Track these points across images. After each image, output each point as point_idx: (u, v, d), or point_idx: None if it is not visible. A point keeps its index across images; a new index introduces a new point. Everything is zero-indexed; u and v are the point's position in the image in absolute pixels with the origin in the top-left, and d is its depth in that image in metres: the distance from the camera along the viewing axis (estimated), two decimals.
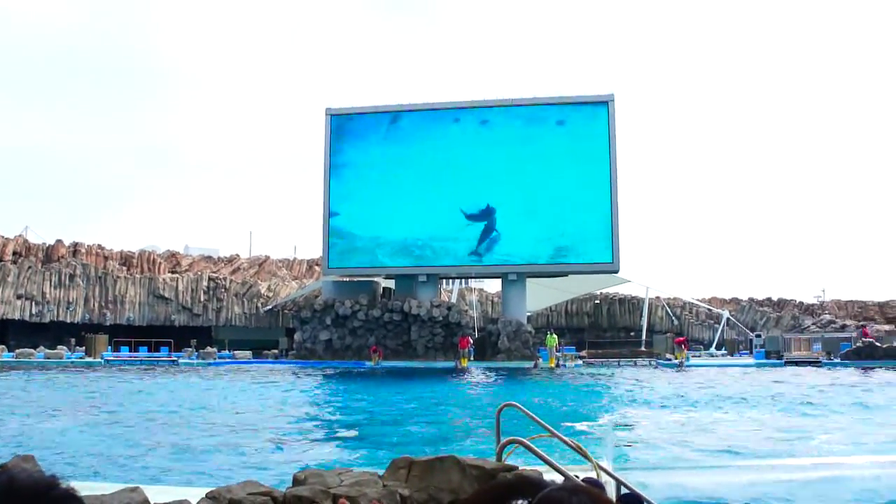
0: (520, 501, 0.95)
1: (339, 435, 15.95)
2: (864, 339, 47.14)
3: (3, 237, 63.61)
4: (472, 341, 48.42)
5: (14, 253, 62.90)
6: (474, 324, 53.16)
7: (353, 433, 16.12)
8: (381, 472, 6.45)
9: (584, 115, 50.64)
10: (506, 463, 6.46)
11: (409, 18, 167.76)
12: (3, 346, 51.98)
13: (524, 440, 6.59)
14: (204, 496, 5.72)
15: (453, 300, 58.01)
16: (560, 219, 49.62)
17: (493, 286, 66.41)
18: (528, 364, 45.24)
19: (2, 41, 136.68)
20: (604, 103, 50.54)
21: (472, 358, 46.95)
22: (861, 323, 61.59)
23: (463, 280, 62.83)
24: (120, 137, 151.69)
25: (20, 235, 65.26)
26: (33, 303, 58.10)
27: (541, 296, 57.54)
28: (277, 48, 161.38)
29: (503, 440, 6.94)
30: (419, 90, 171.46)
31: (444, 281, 59.61)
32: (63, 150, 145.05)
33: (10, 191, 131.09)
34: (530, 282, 51.80)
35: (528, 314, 54.24)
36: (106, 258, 65.08)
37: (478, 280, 65.83)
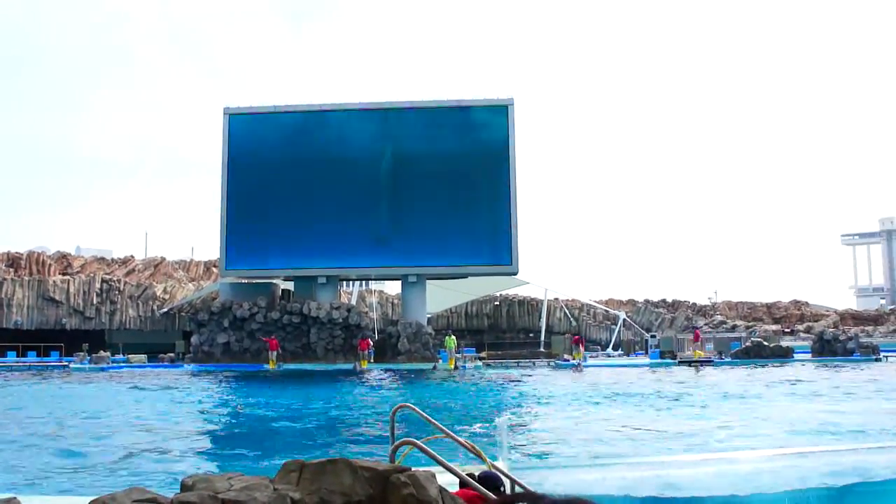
0: None
1: (231, 440, 15.76)
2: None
3: None
4: (371, 343, 48.34)
5: None
6: (374, 325, 53.14)
7: (246, 438, 15.94)
8: (271, 476, 6.39)
9: (485, 119, 51.10)
10: (399, 465, 6.47)
11: (313, 22, 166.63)
12: None
13: (417, 441, 6.62)
14: None
15: (353, 302, 57.83)
16: (459, 220, 49.90)
17: (394, 288, 66.47)
18: (427, 366, 45.41)
19: None
20: (503, 107, 51.06)
21: (371, 360, 46.86)
22: (750, 324, 63.84)
23: (363, 282, 62.63)
24: (8, 134, 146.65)
25: None
26: None
27: (441, 298, 57.86)
28: (175, 45, 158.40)
29: (396, 441, 6.97)
30: (321, 93, 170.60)
31: (344, 283, 59.39)
32: None
33: None
34: (430, 284, 51.96)
35: (429, 316, 54.48)
36: None
37: (378, 282, 65.76)
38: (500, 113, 51.07)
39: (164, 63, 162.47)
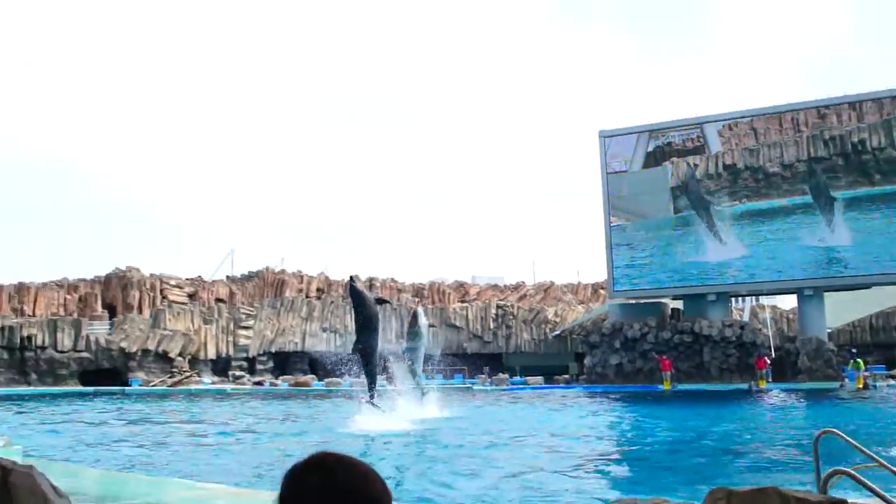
0: None
1: (641, 462, 15.82)
2: None
3: (307, 276, 68.82)
4: (768, 361, 46.29)
5: (318, 289, 67.84)
6: (770, 343, 50.74)
7: (655, 459, 15.93)
8: (696, 501, 6.36)
9: (878, 113, 47.45)
10: (833, 496, 6.14)
11: (675, 39, 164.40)
12: (314, 376, 56.05)
13: (850, 470, 6.27)
14: None
15: (745, 319, 55.76)
16: (856, 228, 46.62)
17: (789, 302, 63.15)
18: (832, 385, 42.52)
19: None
20: None
21: (769, 379, 44.88)
22: None
23: (754, 297, 60.25)
24: (403, 176, 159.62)
25: (322, 273, 70.33)
26: (337, 335, 62.19)
27: (840, 310, 53.95)
28: (548, 72, 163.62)
29: (827, 470, 6.64)
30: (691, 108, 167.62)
31: (735, 299, 57.53)
32: (355, 194, 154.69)
33: (312, 235, 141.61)
34: (829, 296, 48.80)
35: (829, 331, 51.13)
36: (399, 290, 68.63)
37: (770, 297, 62.94)
38: (892, 106, 47.19)
39: (535, 89, 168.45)
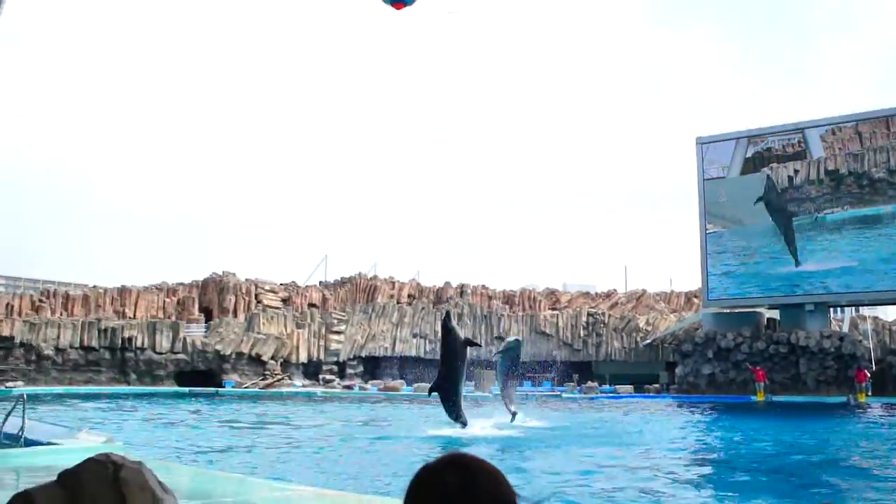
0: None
1: (740, 473, 15.49)
2: None
3: (399, 282, 69.35)
4: (868, 374, 44.83)
5: (409, 295, 68.28)
6: (871, 355, 49.15)
7: (759, 474, 15.56)
8: None
9: None
10: None
11: (775, 43, 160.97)
12: (403, 381, 56.41)
13: None
14: None
15: (845, 329, 54.14)
16: None
17: (892, 313, 61.15)
18: None
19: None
20: None
21: (869, 393, 43.48)
22: None
23: (854, 308, 58.48)
24: (496, 182, 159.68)
25: (413, 279, 70.79)
26: (427, 341, 62.48)
27: None
28: (646, 78, 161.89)
29: None
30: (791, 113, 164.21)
31: (834, 310, 55.94)
32: (447, 201, 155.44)
33: (404, 242, 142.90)
34: None
35: None
36: (490, 297, 68.57)
37: (871, 307, 61.02)
38: None
39: (631, 95, 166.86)
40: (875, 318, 62.76)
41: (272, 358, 58.26)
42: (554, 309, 67.07)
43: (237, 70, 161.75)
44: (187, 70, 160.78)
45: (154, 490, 5.05)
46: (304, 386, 55.94)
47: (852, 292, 48.15)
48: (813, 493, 11.81)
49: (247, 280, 64.47)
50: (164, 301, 62.08)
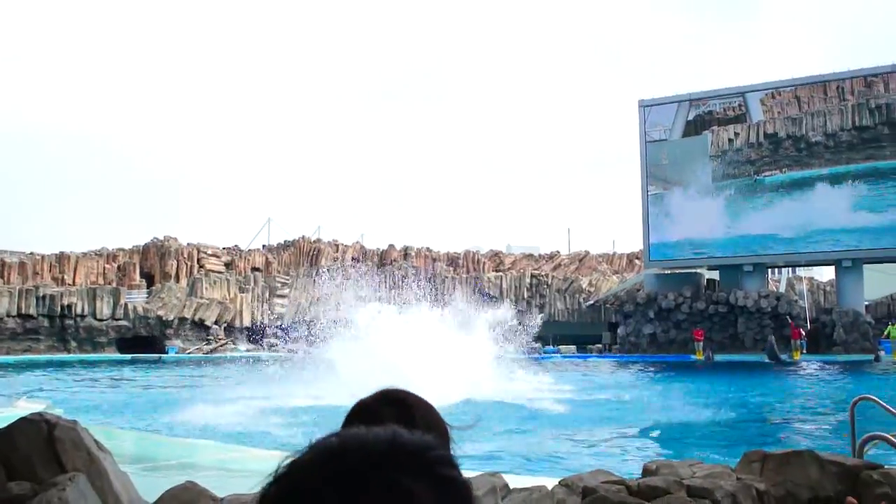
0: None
1: (676, 428, 15.83)
2: None
3: (343, 245, 69.10)
4: (803, 333, 45.89)
5: (353, 258, 68.06)
6: (806, 314, 50.30)
7: (690, 426, 15.93)
8: (731, 465, 6.35)
9: None
10: (869, 461, 6.11)
11: (718, 8, 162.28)
12: None
13: (888, 435, 6.24)
14: (558, 483, 5.93)
15: (781, 290, 55.28)
16: None
17: (826, 274, 62.53)
18: (867, 357, 42.07)
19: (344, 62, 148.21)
20: None
21: (804, 351, 44.52)
22: None
23: (791, 269, 59.70)
24: (439, 144, 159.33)
25: (357, 242, 70.58)
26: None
27: (879, 283, 53.28)
28: (588, 41, 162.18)
29: (864, 436, 6.61)
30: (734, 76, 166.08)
31: (771, 270, 57.04)
32: (391, 163, 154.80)
33: (348, 204, 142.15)
34: (867, 268, 48.24)
35: (866, 303, 50.56)
36: (434, 259, 68.72)
37: (807, 268, 62.33)
38: None
39: (574, 58, 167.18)
40: (810, 279, 64.18)
41: (215, 323, 57.87)
42: (498, 271, 67.43)
43: (178, 26, 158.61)
44: (125, 25, 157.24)
45: (90, 448, 5.03)
46: (248, 350, 55.67)
47: (789, 254, 49.13)
48: (747, 445, 12.12)
49: (189, 244, 63.70)
50: (105, 267, 61.12)
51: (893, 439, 5.90)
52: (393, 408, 1.68)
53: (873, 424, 7.71)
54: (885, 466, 5.89)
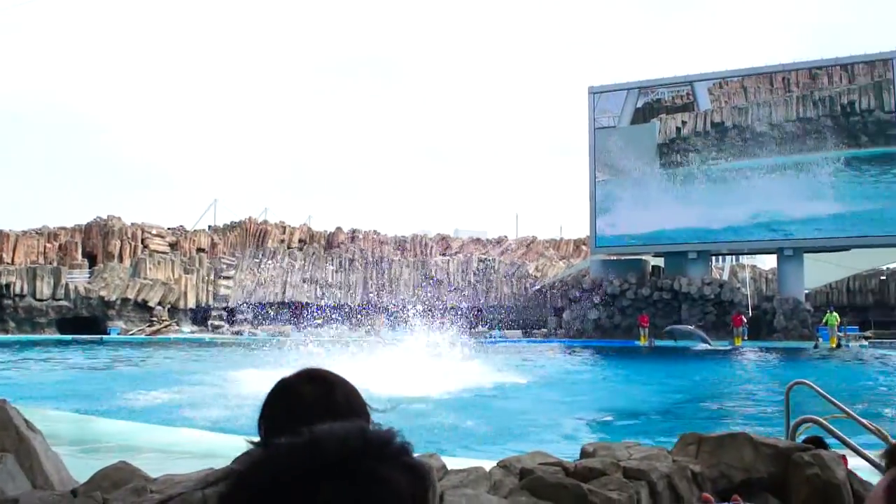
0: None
1: (617, 412, 16.01)
2: None
3: (290, 227, 68.64)
4: (745, 320, 46.65)
5: (300, 241, 67.73)
6: (748, 302, 51.16)
7: (631, 410, 16.13)
8: (668, 447, 6.44)
9: (869, 75, 47.58)
10: (800, 443, 6.23)
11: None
12: (293, 326, 56.14)
13: (820, 419, 6.37)
14: (496, 465, 5.95)
15: (725, 277, 56.13)
16: (840, 190, 46.85)
17: (768, 262, 63.61)
18: (807, 344, 42.91)
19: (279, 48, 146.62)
20: (887, 61, 47.16)
21: (745, 337, 45.28)
22: None
23: (735, 257, 60.63)
24: (388, 128, 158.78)
25: (304, 224, 70.16)
26: (317, 286, 62.26)
27: (819, 272, 54.34)
28: (538, 28, 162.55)
29: (796, 419, 6.73)
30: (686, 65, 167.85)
31: (715, 258, 57.88)
32: (340, 146, 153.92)
33: (295, 185, 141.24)
34: (808, 257, 49.15)
35: (806, 292, 51.56)
36: (381, 243, 68.63)
37: (750, 256, 63.37)
38: (884, 68, 47.18)
39: (525, 45, 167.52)
40: (753, 267, 65.29)
41: (159, 304, 57.19)
42: (445, 255, 67.55)
43: (123, 3, 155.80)
44: (67, 2, 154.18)
45: (18, 427, 4.92)
46: (192, 332, 55.18)
47: (733, 242, 49.88)
48: (685, 428, 12.31)
49: (132, 224, 62.74)
50: (45, 246, 60.01)
51: (824, 422, 6.02)
52: (314, 385, 1.72)
53: (809, 409, 7.88)
54: (815, 449, 6.00)
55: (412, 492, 0.94)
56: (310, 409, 1.63)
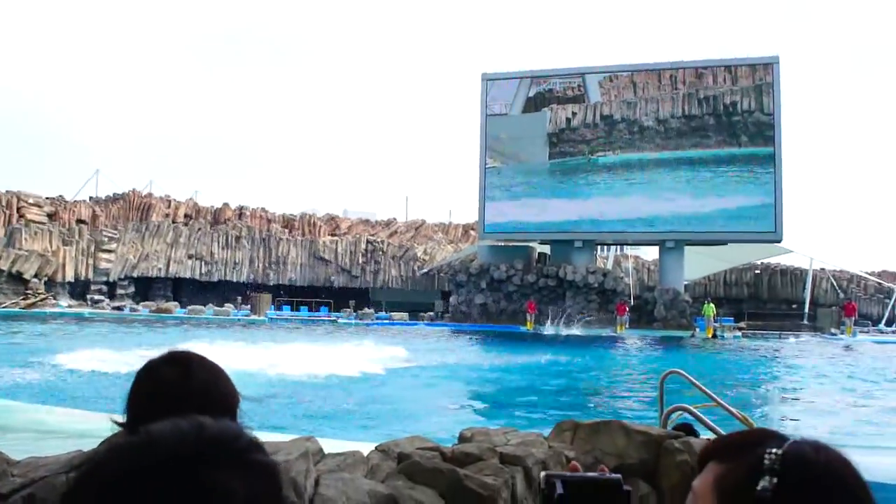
0: (773, 449, 1.00)
1: (497, 398, 16.16)
2: None
3: (175, 201, 67.04)
4: (628, 309, 47.80)
5: (185, 215, 66.22)
6: (630, 291, 52.42)
7: (511, 396, 16.30)
8: (545, 433, 6.52)
9: (751, 77, 49.13)
10: (670, 430, 6.40)
11: None
12: (177, 303, 54.99)
13: (690, 407, 6.56)
14: (374, 448, 5.93)
15: (609, 267, 57.37)
16: (720, 186, 48.35)
17: (650, 253, 65.25)
18: (685, 334, 44.31)
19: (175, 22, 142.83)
20: (768, 65, 48.77)
21: (628, 326, 46.41)
22: None
23: (619, 247, 61.99)
24: (279, 104, 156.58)
25: (191, 199, 68.62)
26: (203, 262, 61.11)
27: (698, 264, 56.12)
28: (431, 13, 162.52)
29: (669, 407, 6.91)
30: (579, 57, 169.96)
31: (600, 247, 59.05)
32: (228, 121, 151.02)
33: (182, 159, 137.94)
34: (688, 250, 50.64)
35: (686, 283, 53.15)
36: (269, 221, 67.72)
37: (634, 247, 64.86)
38: (764, 71, 48.82)
39: (420, 29, 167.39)
40: (636, 258, 66.89)
41: (35, 276, 55.12)
42: (334, 235, 67.10)
43: None
44: None
45: None
46: (69, 307, 53.40)
47: (617, 232, 50.95)
48: (564, 414, 12.52)
49: (7, 192, 60.18)
50: None
51: (695, 410, 6.19)
52: (174, 368, 1.72)
53: (683, 397, 8.10)
54: (685, 436, 6.17)
55: (256, 492, 0.90)
56: (168, 393, 1.63)
